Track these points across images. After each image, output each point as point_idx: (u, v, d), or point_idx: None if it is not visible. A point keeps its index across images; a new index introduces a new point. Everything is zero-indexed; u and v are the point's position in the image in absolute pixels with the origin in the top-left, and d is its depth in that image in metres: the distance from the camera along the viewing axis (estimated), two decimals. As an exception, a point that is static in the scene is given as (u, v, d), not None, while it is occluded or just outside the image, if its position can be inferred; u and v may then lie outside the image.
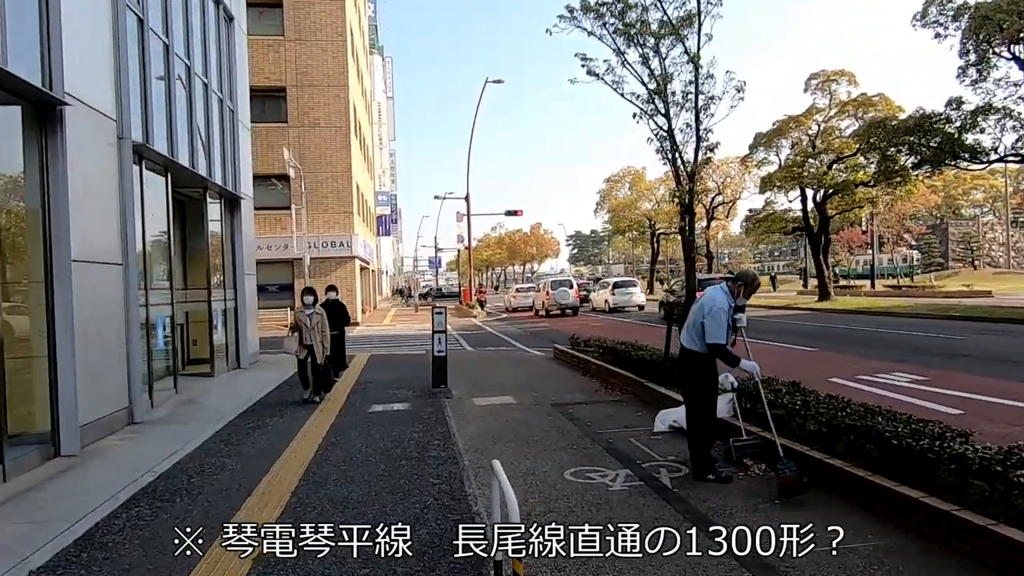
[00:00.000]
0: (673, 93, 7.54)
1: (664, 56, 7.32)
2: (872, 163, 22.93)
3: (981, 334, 14.59)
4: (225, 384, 10.39)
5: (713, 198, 36.32)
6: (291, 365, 10.50)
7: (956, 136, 15.85)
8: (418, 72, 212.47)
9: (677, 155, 7.52)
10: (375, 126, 50.45)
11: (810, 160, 23.43)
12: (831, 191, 23.45)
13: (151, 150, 8.46)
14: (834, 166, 23.11)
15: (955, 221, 65.41)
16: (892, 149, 17.55)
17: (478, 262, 62.13)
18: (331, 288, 11.68)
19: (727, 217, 38.08)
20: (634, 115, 7.74)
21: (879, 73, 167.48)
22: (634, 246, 59.33)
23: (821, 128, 24.24)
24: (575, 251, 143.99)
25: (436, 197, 36.92)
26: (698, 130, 7.36)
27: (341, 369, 11.23)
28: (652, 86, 7.53)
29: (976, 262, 56.66)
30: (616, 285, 28.23)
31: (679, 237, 53.51)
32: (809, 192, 24.41)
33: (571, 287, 28.65)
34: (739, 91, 7.30)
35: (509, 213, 40.20)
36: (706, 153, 7.61)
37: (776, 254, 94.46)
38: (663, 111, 7.45)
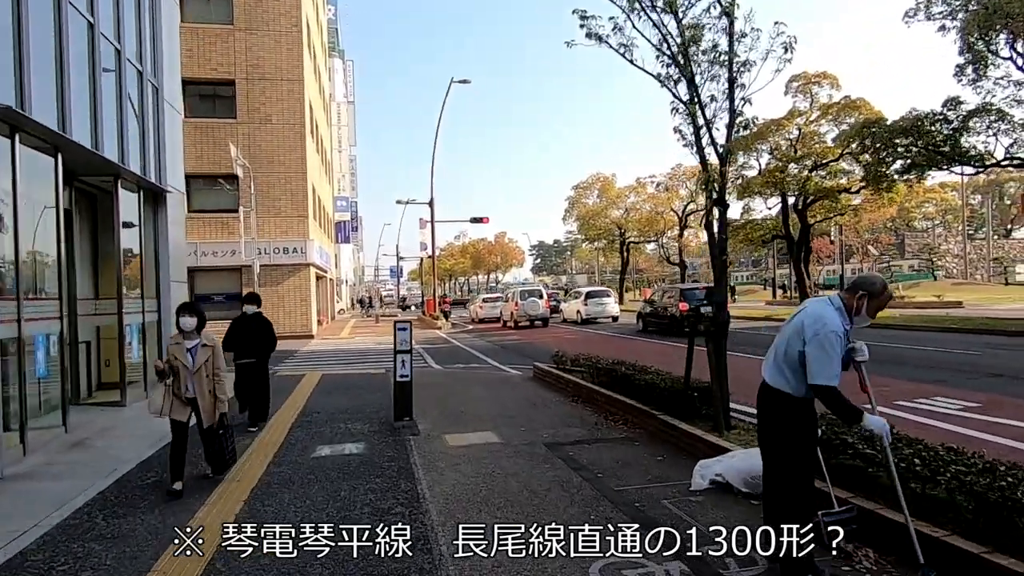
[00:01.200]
0: (696, 57, 5.99)
1: (687, 6, 5.77)
2: (854, 168, 22.11)
3: (994, 348, 13.53)
4: (136, 417, 8.42)
5: (686, 205, 35.38)
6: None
7: (952, 138, 14.93)
8: (381, 79, 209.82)
9: (705, 130, 5.93)
10: (334, 128, 48.30)
11: (792, 164, 22.48)
12: (812, 197, 22.55)
13: (30, 121, 6.55)
14: (816, 171, 22.22)
15: (909, 233, 66.55)
16: (886, 151, 16.55)
17: (441, 271, 60.12)
18: (250, 298, 8.81)
19: (700, 225, 37.10)
20: (658, 77, 6.11)
21: (869, 76, 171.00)
22: (602, 255, 58.27)
23: (802, 132, 23.34)
24: (538, 261, 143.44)
25: (399, 202, 35.22)
26: (732, 101, 5.80)
27: (261, 420, 8.04)
28: (671, 49, 5.96)
29: (935, 273, 57.31)
30: (589, 295, 26.78)
31: (647, 247, 52.45)
32: (790, 199, 23.46)
33: (541, 297, 27.12)
34: (787, 50, 5.79)
35: (475, 220, 38.60)
36: (738, 130, 6.05)
37: (736, 264, 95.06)
38: (685, 75, 5.90)
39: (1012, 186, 75.27)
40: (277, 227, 25.29)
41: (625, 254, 41.25)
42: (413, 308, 47.00)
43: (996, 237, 71.91)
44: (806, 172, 22.19)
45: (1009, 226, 78.26)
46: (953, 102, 15.42)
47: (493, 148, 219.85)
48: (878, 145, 16.68)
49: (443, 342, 22.13)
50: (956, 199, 60.18)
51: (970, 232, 74.90)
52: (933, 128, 15.55)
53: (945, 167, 16.47)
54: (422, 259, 42.57)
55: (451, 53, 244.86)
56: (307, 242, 25.43)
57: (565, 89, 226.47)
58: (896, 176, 18.11)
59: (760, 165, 24.74)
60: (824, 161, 22.15)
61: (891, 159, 17.17)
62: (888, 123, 16.58)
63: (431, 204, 33.31)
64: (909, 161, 15.89)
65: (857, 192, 22.30)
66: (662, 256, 38.96)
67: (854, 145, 18.94)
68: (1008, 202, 75.27)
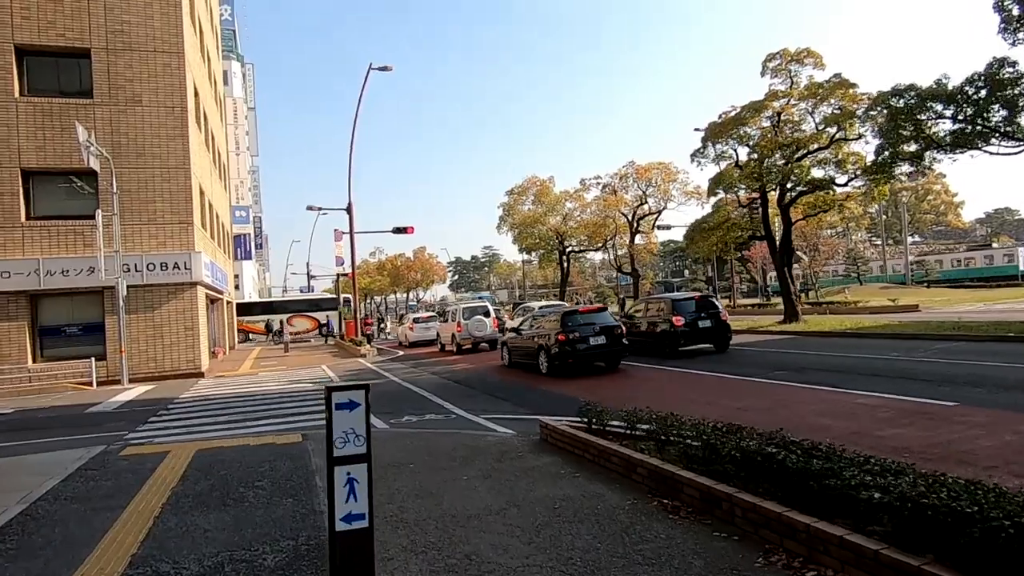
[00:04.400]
0: None
1: None
2: (855, 151, 19.48)
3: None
4: None
5: (636, 208, 32.30)
6: None
7: (1013, 104, 12.26)
8: (284, 100, 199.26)
9: None
10: (230, 128, 42.29)
11: (779, 151, 19.65)
12: (800, 191, 19.84)
13: None
14: (806, 158, 19.49)
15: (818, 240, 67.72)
16: (912, 126, 13.71)
17: (358, 290, 54.50)
18: None
19: (652, 229, 34.28)
20: None
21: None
22: (539, 267, 54.72)
23: (782, 117, 20.59)
24: (456, 277, 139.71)
25: (310, 208, 29.93)
26: None
27: None
28: None
29: (860, 278, 57.73)
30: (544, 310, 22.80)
31: (589, 256, 49.21)
32: (771, 193, 20.66)
33: (487, 315, 22.97)
34: None
35: (398, 230, 33.84)
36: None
37: (670, 275, 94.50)
38: None
39: (906, 195, 78.68)
40: (151, 237, 19.85)
41: (565, 264, 37.77)
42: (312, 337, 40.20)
43: (892, 243, 74.75)
44: (803, 161, 19.36)
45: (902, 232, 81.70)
46: (1000, 63, 12.76)
47: (410, 162, 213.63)
48: (901, 118, 13.82)
49: (373, 376, 17.50)
50: (857, 207, 61.33)
51: (875, 238, 77.57)
52: (975, 97, 12.84)
53: (979, 145, 13.82)
54: (338, 276, 37.36)
55: (360, 62, 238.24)
56: (192, 255, 20.11)
57: (486, 96, 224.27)
58: (913, 160, 15.35)
59: (737, 155, 21.88)
60: (816, 147, 19.45)
61: (915, 135, 14.34)
62: (923, 88, 13.78)
63: (349, 210, 28.50)
64: (951, 134, 13.17)
65: (846, 184, 19.76)
66: (613, 264, 35.83)
67: (875, 113, 16.09)
68: (902, 211, 78.52)
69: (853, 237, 78.91)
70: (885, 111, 14.66)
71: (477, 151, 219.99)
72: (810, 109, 21.07)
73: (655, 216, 33.19)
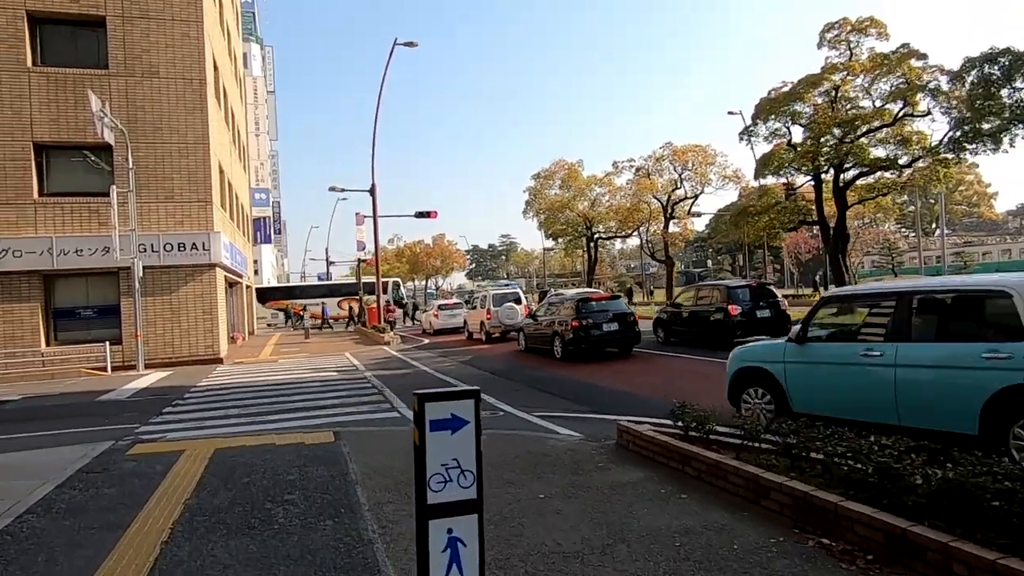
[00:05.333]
0: None
1: None
2: (911, 134, 18.00)
3: None
4: None
5: (671, 192, 30.87)
6: None
7: None
8: (304, 84, 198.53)
9: None
10: (250, 107, 41.36)
11: (837, 129, 18.19)
12: (858, 172, 18.38)
13: None
14: (865, 137, 18.02)
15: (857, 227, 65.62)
16: (1003, 96, 12.27)
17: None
18: None
19: (688, 215, 32.84)
20: None
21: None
22: (565, 254, 53.44)
23: (839, 92, 19.06)
24: (473, 265, 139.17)
25: (332, 189, 28.87)
26: None
27: None
28: None
29: (895, 269, 55.75)
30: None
31: (617, 243, 47.82)
32: (825, 176, 19.21)
33: (519, 302, 21.85)
34: None
35: (420, 215, 32.69)
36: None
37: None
38: None
39: (937, 185, 76.03)
40: (169, 216, 18.90)
41: (593, 251, 36.44)
42: (331, 324, 36.30)
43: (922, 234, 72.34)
44: (862, 140, 17.88)
45: (934, 224, 79.13)
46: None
47: (429, 148, 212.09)
48: (993, 86, 12.37)
49: (400, 365, 16.45)
50: (887, 199, 59.40)
51: (915, 228, 75.11)
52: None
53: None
54: (358, 261, 36.35)
55: (381, 51, 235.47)
56: (211, 235, 19.14)
57: (511, 79, 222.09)
58: (993, 137, 13.88)
59: (791, 133, 20.42)
60: (878, 124, 17.96)
61: (1000, 110, 12.88)
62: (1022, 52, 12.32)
63: (372, 191, 27.42)
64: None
65: (909, 165, 18.25)
66: (646, 251, 34.46)
67: (948, 87, 14.60)
68: (932, 201, 75.96)
69: (883, 227, 76.63)
70: (970, 80, 13.22)
71: (498, 138, 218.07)
72: (867, 85, 19.54)
73: (691, 201, 31.76)
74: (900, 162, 18.49)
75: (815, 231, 34.50)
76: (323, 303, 37.16)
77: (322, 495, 5.18)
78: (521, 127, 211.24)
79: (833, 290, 9.94)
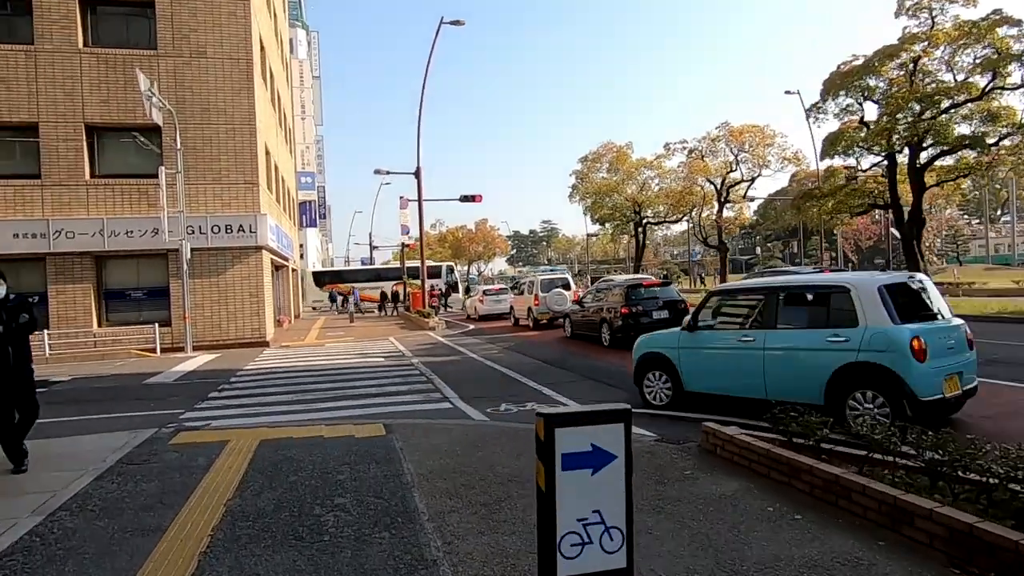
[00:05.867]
0: None
1: None
2: (1000, 109, 16.50)
3: None
4: None
5: (725, 175, 29.52)
6: None
7: None
8: (349, 70, 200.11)
9: None
10: (296, 90, 41.37)
11: (917, 104, 16.80)
12: (939, 151, 16.98)
13: None
14: (945, 115, 16.59)
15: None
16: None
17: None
18: None
19: (744, 198, 31.48)
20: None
21: None
22: (609, 240, 52.29)
23: (919, 64, 17.58)
24: (513, 252, 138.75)
25: (377, 172, 28.56)
26: None
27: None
28: None
29: (960, 258, 52.86)
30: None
31: (667, 228, 46.43)
32: (900, 156, 17.82)
33: (567, 287, 21.15)
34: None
35: (465, 198, 32.24)
36: None
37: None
38: None
39: (1003, 170, 71.93)
40: (216, 197, 18.78)
41: (641, 236, 35.32)
42: (385, 308, 35.15)
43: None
44: (943, 116, 16.48)
45: (1000, 210, 74.84)
46: None
47: (471, 132, 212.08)
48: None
49: (447, 351, 15.97)
50: (966, 182, 56.12)
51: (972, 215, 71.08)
52: None
53: None
54: (402, 245, 36.09)
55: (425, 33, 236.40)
56: (258, 217, 18.96)
57: (558, 60, 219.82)
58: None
59: (863, 110, 19.06)
60: (963, 98, 16.51)
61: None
62: None
63: (417, 174, 26.99)
64: None
65: (996, 143, 16.77)
66: (699, 237, 33.22)
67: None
68: (998, 186, 71.83)
69: (944, 213, 72.82)
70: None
71: (543, 122, 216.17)
72: (947, 57, 18.00)
73: (747, 184, 30.35)
74: (987, 140, 16.96)
75: (876, 216, 32.70)
76: (354, 288, 37.23)
77: (376, 499, 4.64)
78: (566, 113, 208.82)
79: (717, 286, 10.92)
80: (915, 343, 5.70)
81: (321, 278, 42.76)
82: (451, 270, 43.04)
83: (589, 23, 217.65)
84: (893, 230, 45.42)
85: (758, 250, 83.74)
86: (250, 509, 4.52)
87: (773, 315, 6.73)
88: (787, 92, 32.28)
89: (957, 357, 6.15)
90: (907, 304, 6.10)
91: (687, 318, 7.73)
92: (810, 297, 6.69)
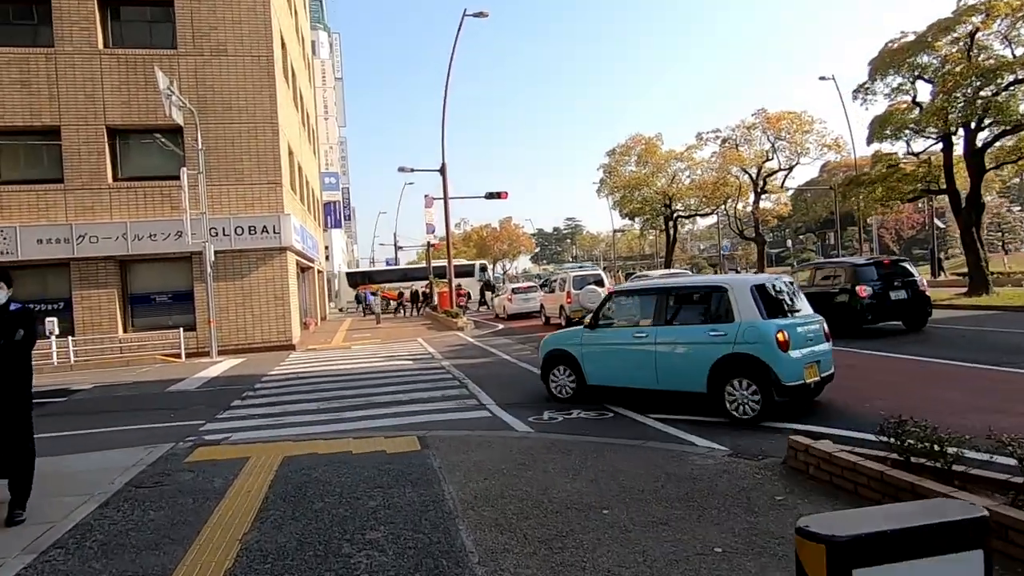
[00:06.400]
0: None
1: None
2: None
3: None
4: None
5: (762, 164, 28.39)
6: None
7: None
8: (372, 72, 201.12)
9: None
10: (318, 90, 41.11)
11: (977, 80, 15.63)
12: (1001, 131, 15.82)
13: None
14: (1010, 90, 15.43)
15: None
16: None
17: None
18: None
19: (782, 187, 30.29)
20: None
21: None
22: (640, 234, 51.21)
23: (977, 38, 16.36)
24: (537, 249, 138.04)
25: (401, 169, 27.93)
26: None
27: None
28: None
29: (1007, 247, 50.73)
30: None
31: (696, 221, 45.28)
32: (956, 138, 16.64)
33: (601, 284, 20.35)
34: None
35: (490, 195, 31.55)
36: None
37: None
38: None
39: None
40: (239, 198, 18.37)
41: (672, 231, 34.30)
42: (404, 309, 34.96)
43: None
44: (1003, 94, 15.32)
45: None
46: None
47: (494, 130, 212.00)
48: None
49: (478, 352, 15.30)
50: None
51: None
52: None
53: None
54: (428, 244, 35.56)
55: (446, 36, 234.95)
56: (282, 218, 18.51)
57: (583, 54, 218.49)
58: None
59: (915, 90, 17.92)
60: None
61: None
62: None
63: (443, 171, 26.38)
64: None
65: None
66: (734, 229, 32.12)
67: None
68: None
69: (986, 199, 69.97)
70: None
71: (566, 119, 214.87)
72: (1004, 31, 16.78)
73: (785, 173, 29.15)
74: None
75: (920, 205, 31.22)
76: (365, 290, 36.88)
77: (414, 533, 3.96)
78: (590, 110, 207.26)
79: (617, 286, 11.86)
80: (780, 336, 6.44)
81: (354, 279, 42.23)
82: (484, 268, 42.16)
83: (612, 17, 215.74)
84: (937, 221, 43.78)
85: (789, 243, 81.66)
86: (269, 546, 3.87)
87: (663, 313, 7.41)
88: (821, 78, 30.94)
89: (815, 348, 6.90)
90: (774, 302, 6.85)
91: (588, 316, 8.36)
92: (695, 297, 7.47)
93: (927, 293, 12.79)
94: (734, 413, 6.61)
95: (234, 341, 18.06)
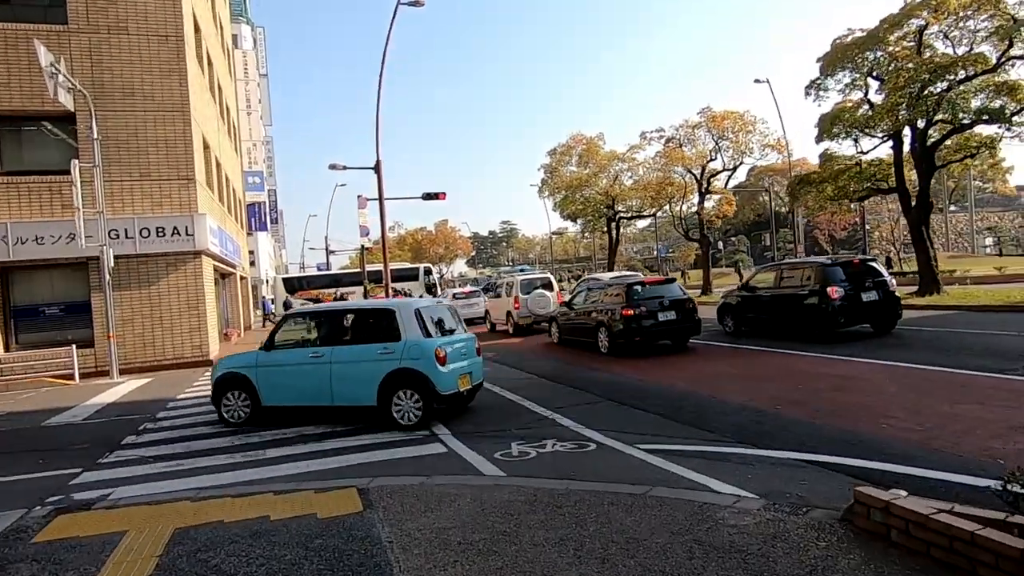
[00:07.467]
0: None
1: None
2: (1016, 83, 15.29)
3: None
4: None
5: (705, 164, 28.05)
6: None
7: None
8: (300, 70, 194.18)
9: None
10: (240, 83, 38.41)
11: (929, 77, 15.41)
12: (956, 127, 15.65)
13: None
14: (962, 86, 15.27)
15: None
16: None
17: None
18: None
19: (726, 188, 30.06)
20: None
21: None
22: (583, 237, 50.51)
23: (926, 34, 16.21)
24: (474, 253, 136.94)
25: (332, 167, 26.00)
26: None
27: None
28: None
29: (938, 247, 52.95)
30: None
31: (637, 223, 44.81)
32: (906, 135, 16.45)
33: (550, 288, 19.25)
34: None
35: (428, 196, 29.85)
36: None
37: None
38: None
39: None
40: (145, 196, 16.22)
41: (615, 232, 33.70)
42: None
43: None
44: (954, 91, 15.14)
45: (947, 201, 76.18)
46: None
47: (427, 132, 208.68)
48: None
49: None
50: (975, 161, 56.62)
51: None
52: None
53: None
54: (362, 247, 33.66)
55: (376, 36, 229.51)
56: (195, 218, 16.46)
57: (515, 55, 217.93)
58: None
59: (867, 87, 17.65)
60: (981, 70, 15.20)
61: None
62: None
63: (377, 168, 24.63)
64: None
65: (1010, 118, 15.53)
66: (682, 231, 31.66)
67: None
68: (945, 176, 73.15)
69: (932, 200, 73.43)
70: None
71: (499, 122, 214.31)
72: (945, 30, 16.78)
73: (729, 173, 28.93)
74: (1008, 114, 15.60)
75: (852, 206, 31.76)
76: (263, 297, 34.66)
77: None
78: (526, 112, 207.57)
79: (291, 310, 11.94)
80: (438, 352, 7.38)
81: (291, 284, 39.62)
82: (428, 272, 40.43)
83: (551, 16, 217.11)
84: (897, 220, 44.80)
85: (720, 245, 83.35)
86: None
87: (339, 333, 7.96)
88: (756, 81, 31.03)
89: (468, 361, 7.98)
90: (435, 322, 7.81)
91: (265, 338, 8.40)
92: (369, 319, 8.00)
93: (897, 294, 12.26)
94: (401, 421, 7.31)
95: (140, 358, 15.90)
